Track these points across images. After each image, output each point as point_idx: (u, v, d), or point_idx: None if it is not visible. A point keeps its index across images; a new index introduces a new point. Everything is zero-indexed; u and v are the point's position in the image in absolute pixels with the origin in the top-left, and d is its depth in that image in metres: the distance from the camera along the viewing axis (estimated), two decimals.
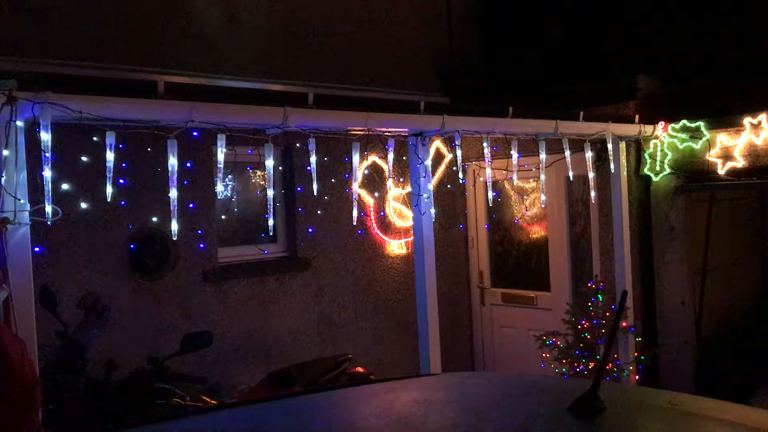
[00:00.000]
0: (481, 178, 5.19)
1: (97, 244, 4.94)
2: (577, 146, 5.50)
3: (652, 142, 6.07)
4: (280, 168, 5.94)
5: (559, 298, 6.66)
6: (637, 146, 6.16)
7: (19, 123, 2.98)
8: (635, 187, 6.17)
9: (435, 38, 7.39)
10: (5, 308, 2.95)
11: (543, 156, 5.17)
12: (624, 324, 5.83)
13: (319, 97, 4.20)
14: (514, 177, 5.07)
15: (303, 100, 4.13)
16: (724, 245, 6.48)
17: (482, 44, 7.87)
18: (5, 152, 2.95)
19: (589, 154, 5.45)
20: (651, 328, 6.23)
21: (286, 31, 6.20)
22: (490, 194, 4.98)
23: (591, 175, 5.54)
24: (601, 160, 5.96)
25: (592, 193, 5.64)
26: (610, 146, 5.62)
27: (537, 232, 7.08)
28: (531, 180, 6.80)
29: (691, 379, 6.08)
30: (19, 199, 2.99)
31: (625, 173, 5.97)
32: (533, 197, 7.01)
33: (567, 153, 5.26)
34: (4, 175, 2.95)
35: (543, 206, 5.78)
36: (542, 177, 5.23)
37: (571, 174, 5.49)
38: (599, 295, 5.92)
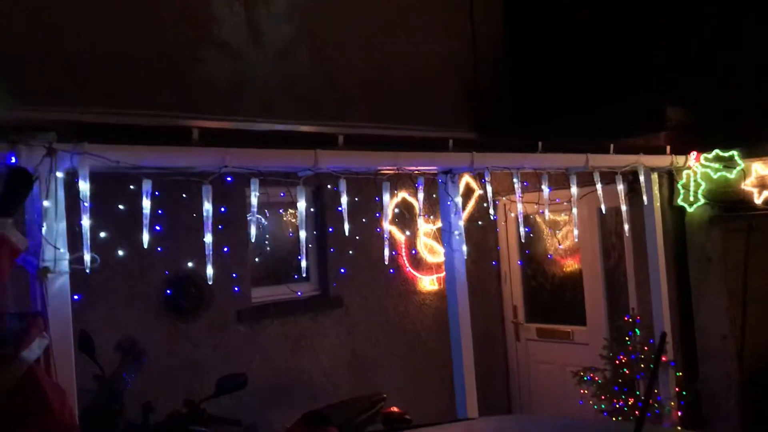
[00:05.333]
0: (512, 214, 5.18)
1: (133, 288, 5.02)
2: (609, 178, 5.46)
3: (685, 172, 6.00)
4: (312, 209, 5.99)
5: (595, 332, 6.55)
6: (670, 177, 6.09)
7: (59, 174, 3.06)
8: (669, 219, 6.08)
9: (460, 71, 7.43)
10: (46, 356, 3.01)
11: (574, 190, 5.14)
12: (663, 358, 5.70)
13: (349, 138, 4.26)
14: (546, 212, 5.05)
15: (333, 141, 4.19)
16: (764, 275, 6.33)
17: (508, 75, 7.89)
18: (45, 203, 3.03)
19: (620, 187, 5.40)
20: (691, 362, 6.08)
21: (315, 72, 6.30)
22: (522, 230, 4.96)
23: (624, 207, 5.48)
24: (633, 191, 5.90)
25: (626, 226, 5.57)
26: (642, 178, 5.58)
27: (570, 265, 7.00)
28: (563, 213, 6.75)
29: (736, 415, 5.90)
30: (59, 249, 3.06)
31: (658, 204, 5.90)
32: (566, 230, 6.95)
33: (598, 186, 5.23)
34: (44, 225, 3.03)
35: (576, 240, 5.72)
36: (574, 211, 5.19)
37: (603, 207, 5.44)
38: (636, 329, 5.82)
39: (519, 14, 7.93)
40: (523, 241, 5.77)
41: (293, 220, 6.00)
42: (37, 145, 2.99)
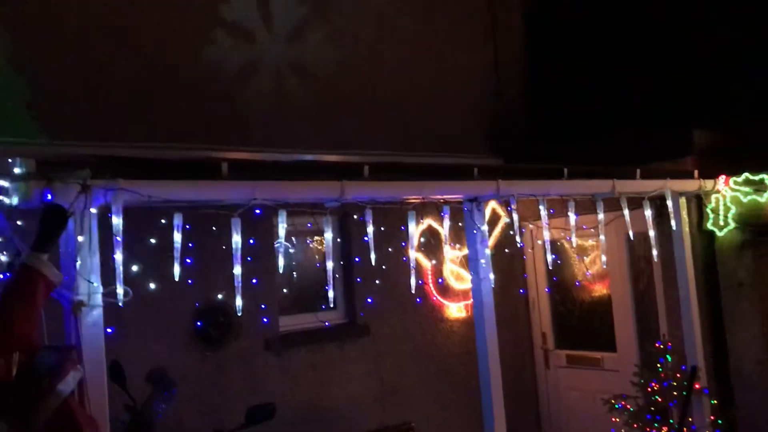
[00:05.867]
0: (539, 241, 5.16)
1: (163, 319, 5.08)
2: (636, 203, 5.43)
3: (714, 196, 5.94)
4: (338, 240, 6.01)
5: (626, 358, 6.46)
6: (698, 201, 6.03)
7: (93, 210, 3.13)
8: (699, 243, 6.01)
9: (483, 95, 7.46)
10: (80, 388, 3.06)
11: (601, 216, 5.12)
12: (697, 386, 5.60)
13: (374, 167, 4.29)
14: (573, 238, 5.02)
15: (359, 171, 4.23)
16: None
17: (531, 99, 7.89)
18: (80, 238, 3.10)
19: (648, 212, 5.36)
20: (726, 389, 5.96)
21: (339, 102, 6.37)
22: (549, 257, 4.93)
23: (651, 233, 5.43)
24: (661, 216, 5.84)
25: (654, 251, 5.51)
26: (669, 203, 5.53)
27: (599, 290, 6.93)
28: (590, 238, 6.70)
29: None
30: (93, 283, 3.12)
31: (687, 229, 5.84)
32: (593, 255, 6.89)
33: (626, 212, 5.19)
34: (78, 259, 3.10)
35: (604, 266, 5.67)
36: (602, 238, 5.16)
37: (631, 233, 5.39)
38: (668, 356, 5.74)
39: (541, 38, 7.96)
40: (550, 268, 5.73)
41: (320, 247, 6.04)
42: (72, 182, 3.06)
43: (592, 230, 5.33)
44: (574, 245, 5.26)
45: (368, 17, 6.66)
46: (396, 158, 6.14)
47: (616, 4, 7.32)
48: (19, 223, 3.38)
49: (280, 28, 6.08)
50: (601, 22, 7.39)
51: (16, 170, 3.14)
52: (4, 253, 3.55)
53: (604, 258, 5.25)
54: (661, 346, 5.81)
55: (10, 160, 3.21)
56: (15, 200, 3.10)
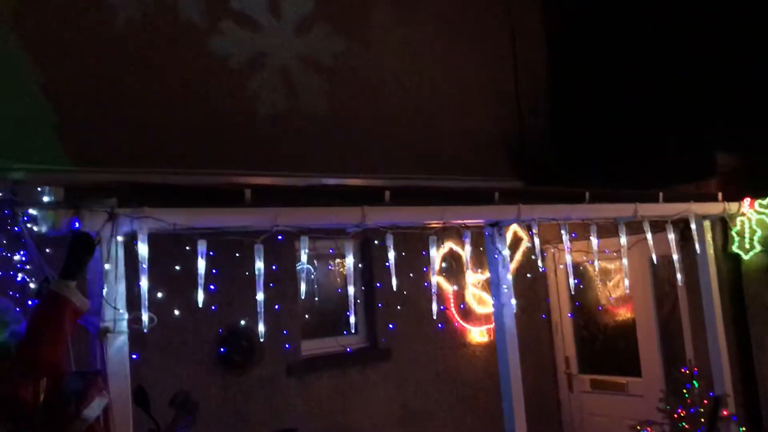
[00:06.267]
0: (561, 266, 5.14)
1: (187, 344, 5.13)
2: (659, 226, 5.39)
3: (739, 219, 5.88)
4: (360, 265, 6.02)
5: (651, 383, 6.36)
6: (723, 224, 5.97)
7: (120, 238, 3.19)
8: (724, 267, 5.93)
9: (504, 120, 7.48)
10: (105, 413, 3.09)
11: (624, 240, 5.09)
12: (725, 412, 5.50)
13: (395, 191, 4.31)
14: (596, 262, 4.99)
15: (380, 195, 4.26)
16: None
17: (552, 122, 7.90)
18: (106, 266, 3.16)
19: (671, 236, 5.31)
20: (755, 415, 5.84)
21: (360, 126, 6.42)
22: (572, 281, 4.91)
23: (675, 256, 5.38)
24: (685, 239, 5.78)
25: (678, 276, 5.45)
26: (693, 226, 5.48)
27: (623, 314, 6.86)
28: (613, 262, 6.65)
29: None
30: (119, 309, 3.17)
31: (711, 252, 5.77)
32: (617, 278, 6.83)
33: (648, 236, 5.15)
34: (105, 286, 3.15)
35: (627, 290, 5.62)
36: (624, 262, 5.12)
37: (654, 257, 5.34)
38: (694, 381, 5.65)
39: (563, 64, 7.98)
40: (573, 293, 5.69)
41: (341, 270, 6.06)
42: (99, 210, 3.13)
43: (615, 254, 5.29)
44: (597, 269, 5.22)
45: (393, 44, 6.73)
46: (416, 182, 6.18)
47: (636, 30, 7.32)
48: (47, 250, 3.46)
49: (303, 49, 6.16)
50: (622, 46, 7.39)
51: (45, 199, 3.22)
52: (33, 279, 3.64)
53: (627, 282, 5.20)
54: (688, 372, 5.73)
55: (39, 189, 3.29)
56: (44, 228, 3.18)
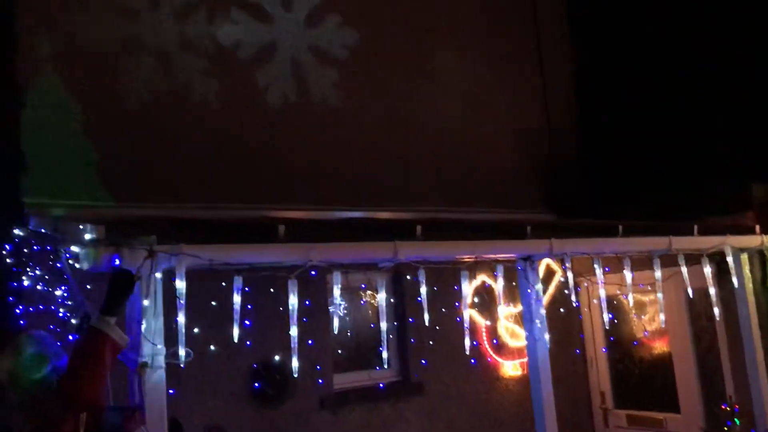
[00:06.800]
0: (595, 300, 5.09)
1: (221, 378, 5.17)
2: (695, 259, 5.31)
3: None
4: (392, 300, 6.02)
5: (690, 420, 6.22)
6: (761, 257, 5.85)
7: (158, 275, 3.26)
8: (763, 300, 5.80)
9: (534, 150, 7.46)
10: None
11: (658, 274, 5.02)
12: None
13: (426, 224, 4.33)
14: (630, 297, 4.94)
15: (411, 229, 4.28)
16: None
17: (583, 153, 7.84)
18: (145, 302, 3.23)
19: (708, 269, 5.22)
20: None
21: (391, 160, 6.47)
22: (606, 316, 4.84)
23: (712, 290, 5.28)
24: (721, 272, 5.68)
25: (716, 310, 5.35)
26: (730, 259, 5.39)
27: (659, 348, 6.74)
28: (647, 296, 6.55)
29: None
30: (157, 345, 3.23)
31: (750, 286, 5.66)
32: (652, 311, 6.73)
33: (684, 269, 5.08)
34: (143, 322, 3.22)
35: (663, 325, 5.53)
36: (659, 296, 5.05)
37: (690, 290, 5.26)
38: (735, 419, 5.51)
39: (592, 92, 7.96)
40: (607, 328, 5.61)
41: (372, 302, 6.07)
42: (139, 248, 3.21)
43: (649, 287, 5.22)
44: (631, 304, 5.15)
45: (423, 78, 6.81)
46: (447, 214, 6.19)
47: (670, 61, 7.29)
48: (88, 286, 3.56)
49: (333, 102, 6.28)
50: (654, 77, 7.36)
51: (87, 236, 3.32)
52: (74, 315, 3.73)
53: (662, 316, 5.12)
54: (728, 408, 5.59)
55: (81, 227, 3.39)
56: (85, 266, 3.27)
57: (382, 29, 6.65)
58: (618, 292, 5.21)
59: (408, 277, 5.84)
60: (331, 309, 4.09)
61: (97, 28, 5.22)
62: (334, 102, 6.27)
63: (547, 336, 4.74)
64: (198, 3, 5.70)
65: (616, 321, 6.79)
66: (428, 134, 6.72)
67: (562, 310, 6.59)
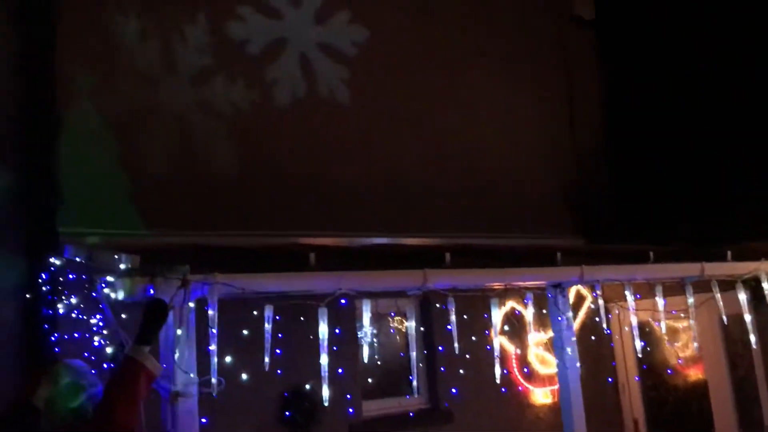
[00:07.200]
0: (626, 327, 5.02)
1: (251, 405, 5.17)
2: (728, 285, 5.22)
3: None
4: (421, 328, 5.99)
5: None
6: None
7: (191, 304, 3.31)
8: None
9: (563, 175, 7.39)
10: None
11: (691, 300, 4.95)
12: None
13: (455, 251, 4.33)
14: (662, 324, 4.87)
15: (440, 256, 4.28)
16: None
17: (612, 177, 7.76)
18: (179, 331, 3.27)
19: (743, 296, 5.13)
20: None
21: (418, 188, 6.46)
22: (638, 343, 4.78)
23: (748, 317, 5.18)
24: (757, 298, 5.56)
25: (752, 337, 5.25)
26: (765, 285, 5.29)
27: (694, 375, 6.60)
28: (680, 323, 6.44)
29: None
30: (190, 374, 3.27)
31: None
32: (685, 338, 6.61)
33: (717, 296, 5.00)
34: (177, 351, 3.26)
35: (697, 351, 5.43)
36: (692, 322, 4.97)
37: (724, 317, 5.16)
38: None
39: (622, 115, 7.90)
40: (639, 355, 5.52)
41: (401, 327, 6.04)
42: (172, 277, 3.26)
43: (682, 314, 5.14)
44: (664, 330, 5.07)
45: (453, 106, 6.83)
46: (476, 240, 6.16)
47: (701, 81, 7.21)
48: (122, 315, 3.61)
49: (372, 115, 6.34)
50: (686, 98, 7.28)
51: (122, 266, 3.38)
52: (108, 343, 3.79)
53: (696, 344, 5.03)
54: None
55: (116, 256, 3.46)
56: (120, 295, 3.33)
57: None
58: (650, 318, 5.13)
59: (437, 305, 5.82)
60: (360, 336, 4.10)
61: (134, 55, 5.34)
62: (362, 126, 6.31)
63: (577, 364, 4.69)
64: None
65: (648, 348, 6.68)
66: (456, 160, 6.72)
67: (593, 337, 6.50)
